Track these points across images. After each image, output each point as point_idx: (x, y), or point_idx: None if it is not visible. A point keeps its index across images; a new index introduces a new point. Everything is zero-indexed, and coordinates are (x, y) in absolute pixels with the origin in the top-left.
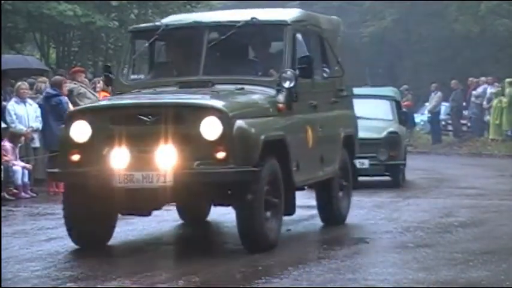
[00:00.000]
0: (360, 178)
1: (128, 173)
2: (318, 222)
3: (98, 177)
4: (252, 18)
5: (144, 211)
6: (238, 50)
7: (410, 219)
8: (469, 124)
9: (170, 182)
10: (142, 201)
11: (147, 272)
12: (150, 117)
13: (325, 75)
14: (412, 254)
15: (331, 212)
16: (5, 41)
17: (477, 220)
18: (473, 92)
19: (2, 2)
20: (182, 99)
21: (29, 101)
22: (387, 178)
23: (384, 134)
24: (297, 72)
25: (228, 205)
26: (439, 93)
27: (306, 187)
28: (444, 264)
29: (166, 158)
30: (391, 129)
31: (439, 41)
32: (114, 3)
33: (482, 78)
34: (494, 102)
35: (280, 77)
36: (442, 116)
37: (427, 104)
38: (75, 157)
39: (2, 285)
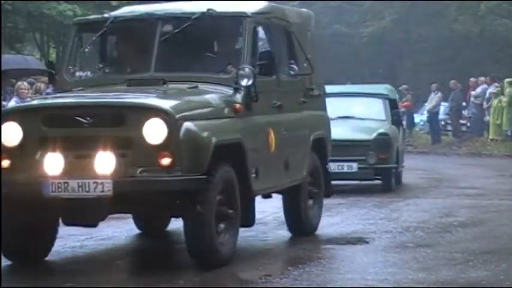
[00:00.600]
0: (349, 182)
1: (62, 180)
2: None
3: (28, 185)
4: (208, 10)
5: (86, 222)
6: (194, 45)
7: (410, 219)
8: (468, 124)
9: (109, 191)
10: (79, 213)
11: (147, 272)
12: (88, 118)
13: (292, 72)
14: (412, 254)
15: (299, 222)
16: (5, 41)
17: (477, 220)
18: (472, 93)
19: (2, 2)
20: (124, 98)
21: None
22: (378, 182)
23: (374, 135)
24: (257, 69)
25: (177, 216)
26: (439, 94)
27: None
28: (444, 264)
29: (106, 165)
30: (381, 130)
31: (439, 41)
32: (114, 3)
33: (481, 78)
34: (495, 102)
35: (237, 75)
36: (441, 116)
37: (426, 104)
38: (5, 163)
39: (2, 285)
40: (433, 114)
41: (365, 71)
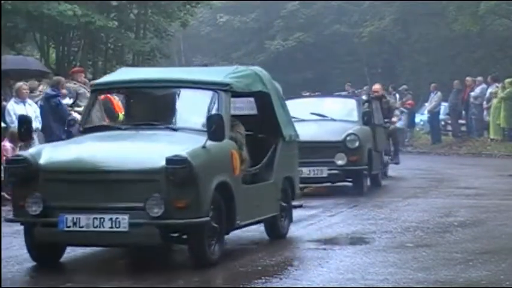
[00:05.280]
0: None
1: None
2: (318, 222)
3: None
4: None
5: None
6: None
7: (410, 219)
8: (464, 122)
9: None
10: None
11: (147, 272)
12: None
13: None
14: (412, 254)
15: None
16: (5, 41)
17: (477, 220)
18: (472, 94)
19: (2, 2)
20: None
21: (29, 101)
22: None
23: (161, 164)
24: None
25: None
26: (439, 93)
27: None
28: (444, 264)
29: None
30: (176, 153)
31: (438, 40)
32: (114, 3)
33: (479, 78)
34: (495, 102)
35: None
36: (441, 116)
37: (426, 104)
38: None
39: (2, 285)
40: (433, 114)
41: (365, 71)
